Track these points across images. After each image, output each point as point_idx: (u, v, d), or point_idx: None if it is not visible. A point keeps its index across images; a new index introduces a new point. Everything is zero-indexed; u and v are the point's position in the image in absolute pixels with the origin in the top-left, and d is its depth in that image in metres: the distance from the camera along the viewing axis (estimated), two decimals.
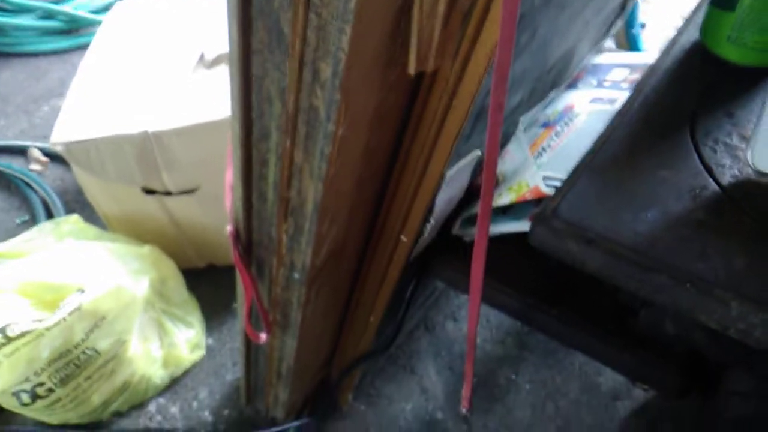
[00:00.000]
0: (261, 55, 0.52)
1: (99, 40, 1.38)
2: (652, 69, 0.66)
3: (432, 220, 0.70)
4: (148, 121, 1.15)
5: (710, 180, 0.53)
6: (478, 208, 0.57)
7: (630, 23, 1.44)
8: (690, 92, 0.62)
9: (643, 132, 0.59)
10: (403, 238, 0.73)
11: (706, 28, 0.71)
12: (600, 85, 0.85)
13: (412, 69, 0.51)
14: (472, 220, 0.81)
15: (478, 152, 0.68)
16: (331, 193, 0.61)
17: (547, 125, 0.81)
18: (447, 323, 1.30)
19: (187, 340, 1.28)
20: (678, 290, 0.47)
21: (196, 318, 1.32)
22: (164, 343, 1.24)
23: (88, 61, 1.33)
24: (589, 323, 0.72)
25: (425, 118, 0.60)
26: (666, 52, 0.68)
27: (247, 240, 0.75)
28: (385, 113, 0.59)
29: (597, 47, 0.93)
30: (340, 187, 0.62)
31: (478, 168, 0.74)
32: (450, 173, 0.64)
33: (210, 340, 1.32)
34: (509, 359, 1.24)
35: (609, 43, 0.99)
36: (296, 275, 0.73)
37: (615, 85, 0.84)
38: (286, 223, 0.67)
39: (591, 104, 0.82)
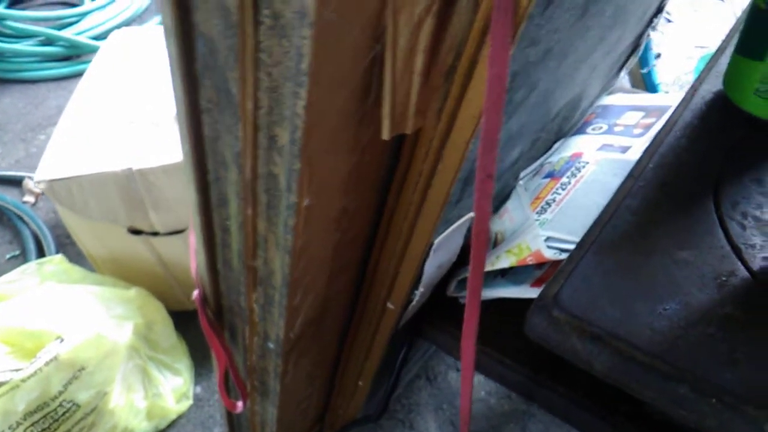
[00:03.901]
0: (211, 116, 0.45)
1: (91, 72, 1.33)
2: (669, 123, 0.57)
3: (421, 288, 0.63)
4: (133, 158, 1.10)
5: (738, 263, 0.45)
6: None
7: (643, 63, 1.35)
8: (713, 153, 0.53)
9: (660, 201, 0.50)
10: (390, 305, 0.65)
11: (731, 78, 0.61)
12: (611, 130, 0.77)
13: (386, 134, 0.44)
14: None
15: (471, 214, 0.60)
16: (302, 263, 0.53)
17: (552, 176, 0.73)
18: (449, 373, 1.21)
19: (174, 389, 1.20)
20: (702, 405, 0.39)
21: (184, 365, 1.24)
22: (149, 394, 1.17)
23: (78, 93, 1.28)
24: (600, 405, 0.63)
25: (409, 181, 0.53)
26: (685, 103, 0.59)
27: (216, 305, 0.68)
28: (364, 174, 0.51)
29: (608, 88, 0.86)
30: (313, 256, 0.54)
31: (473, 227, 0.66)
32: (439, 240, 0.56)
33: (198, 389, 1.25)
34: (516, 414, 1.15)
35: (624, 79, 0.91)
36: (271, 345, 0.66)
37: (627, 131, 0.76)
38: (256, 293, 0.60)
39: (601, 152, 0.74)
